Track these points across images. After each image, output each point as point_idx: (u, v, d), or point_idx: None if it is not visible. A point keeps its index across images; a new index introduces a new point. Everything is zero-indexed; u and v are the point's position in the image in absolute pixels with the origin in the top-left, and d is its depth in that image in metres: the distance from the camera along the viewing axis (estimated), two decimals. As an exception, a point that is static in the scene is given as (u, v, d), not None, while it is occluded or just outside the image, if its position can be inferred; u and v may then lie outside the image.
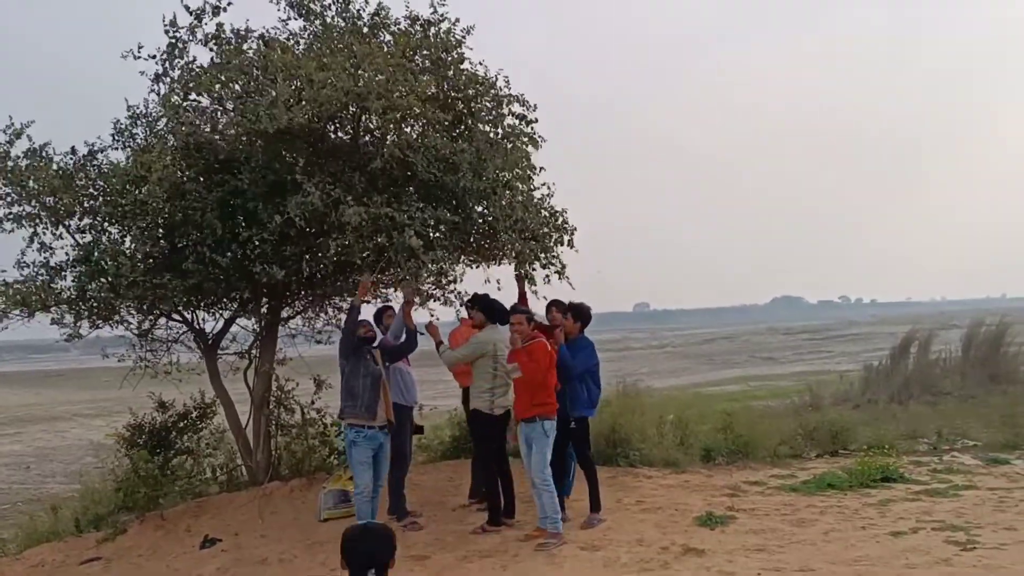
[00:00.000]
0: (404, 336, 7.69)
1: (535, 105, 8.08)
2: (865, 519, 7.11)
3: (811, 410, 15.33)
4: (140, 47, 7.87)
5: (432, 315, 8.66)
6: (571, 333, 7.39)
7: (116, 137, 8.53)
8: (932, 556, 5.94)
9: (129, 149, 8.49)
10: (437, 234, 7.76)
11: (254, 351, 9.22)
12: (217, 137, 7.73)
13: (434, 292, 9.00)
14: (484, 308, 7.41)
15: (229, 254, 7.57)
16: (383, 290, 9.55)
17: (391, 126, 7.57)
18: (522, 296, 8.20)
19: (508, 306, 7.53)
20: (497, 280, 8.59)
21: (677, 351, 54.97)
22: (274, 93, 7.03)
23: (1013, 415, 12.40)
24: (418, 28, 7.85)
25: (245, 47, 7.96)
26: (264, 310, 9.06)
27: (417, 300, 7.96)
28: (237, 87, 7.58)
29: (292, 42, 8.04)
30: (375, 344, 7.46)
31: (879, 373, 18.80)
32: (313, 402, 9.18)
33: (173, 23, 7.91)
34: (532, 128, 8.11)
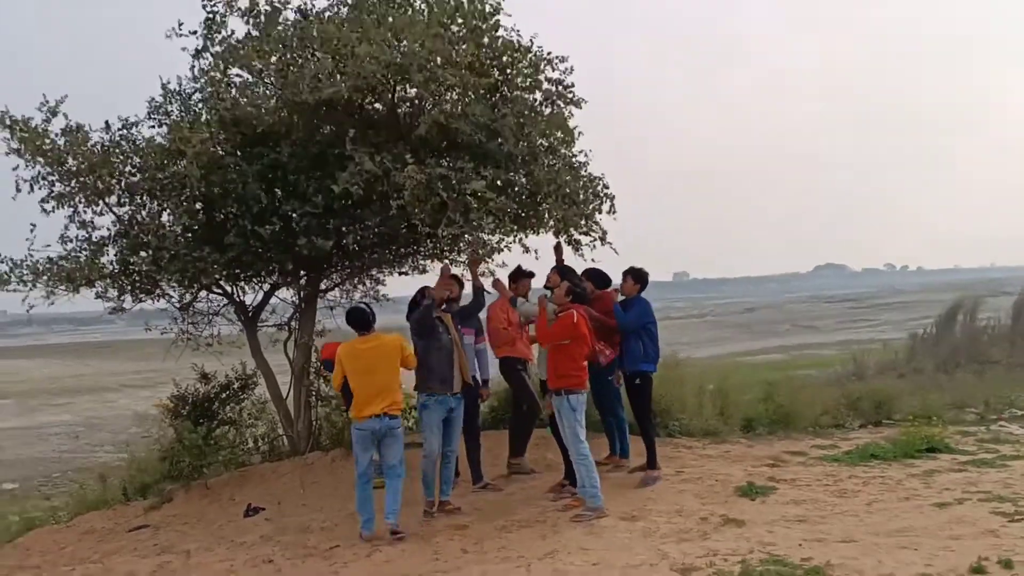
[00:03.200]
0: (473, 296, 7.79)
1: (572, 67, 7.97)
2: (909, 490, 6.99)
3: (855, 379, 15.14)
4: (180, 24, 7.88)
5: (493, 274, 8.74)
6: (629, 294, 7.74)
7: (151, 115, 8.57)
8: (978, 527, 5.83)
9: (165, 126, 8.55)
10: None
11: (293, 323, 9.31)
12: (255, 111, 7.73)
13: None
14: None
15: (269, 227, 7.58)
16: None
17: (429, 96, 7.50)
18: (559, 264, 8.16)
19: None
20: (535, 250, 8.58)
21: (718, 320, 54.60)
22: (314, 67, 7.02)
23: (1064, 384, 12.15)
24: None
25: (281, 19, 7.93)
26: (303, 282, 9.11)
27: (481, 254, 8.00)
28: (274, 59, 7.56)
29: (328, 13, 7.99)
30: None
31: (925, 341, 18.50)
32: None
33: None
34: (571, 91, 7.98)
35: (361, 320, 6.82)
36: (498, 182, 7.33)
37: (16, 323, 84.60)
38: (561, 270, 7.77)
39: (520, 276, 8.32)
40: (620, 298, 7.82)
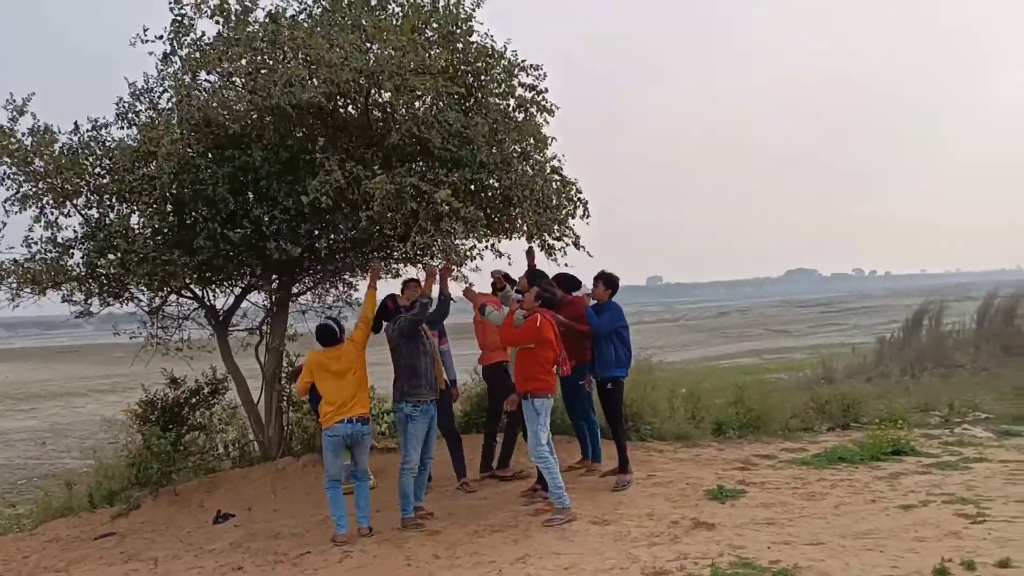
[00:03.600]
0: (437, 303, 7.67)
1: (545, 73, 7.99)
2: (875, 492, 7.11)
3: (824, 383, 15.34)
4: (146, 29, 7.79)
5: (468, 281, 8.68)
6: (600, 298, 7.71)
7: (120, 116, 8.49)
8: (941, 529, 5.93)
9: (134, 127, 8.47)
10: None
11: (265, 327, 9.25)
12: (226, 113, 7.68)
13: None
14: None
15: (240, 230, 7.53)
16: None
17: (402, 101, 7.50)
18: (531, 269, 8.18)
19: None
20: (508, 255, 8.60)
21: (691, 324, 54.98)
22: (285, 70, 6.98)
23: (1025, 387, 12.38)
24: (427, 0, 7.74)
25: (251, 19, 7.87)
26: (275, 286, 9.05)
27: (455, 261, 7.99)
28: (244, 62, 7.51)
29: (301, 16, 7.95)
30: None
31: (892, 346, 18.79)
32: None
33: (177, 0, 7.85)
34: (544, 97, 8.02)
35: (329, 336, 7.02)
36: (471, 187, 7.35)
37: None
38: (533, 275, 7.79)
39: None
40: (592, 302, 7.81)
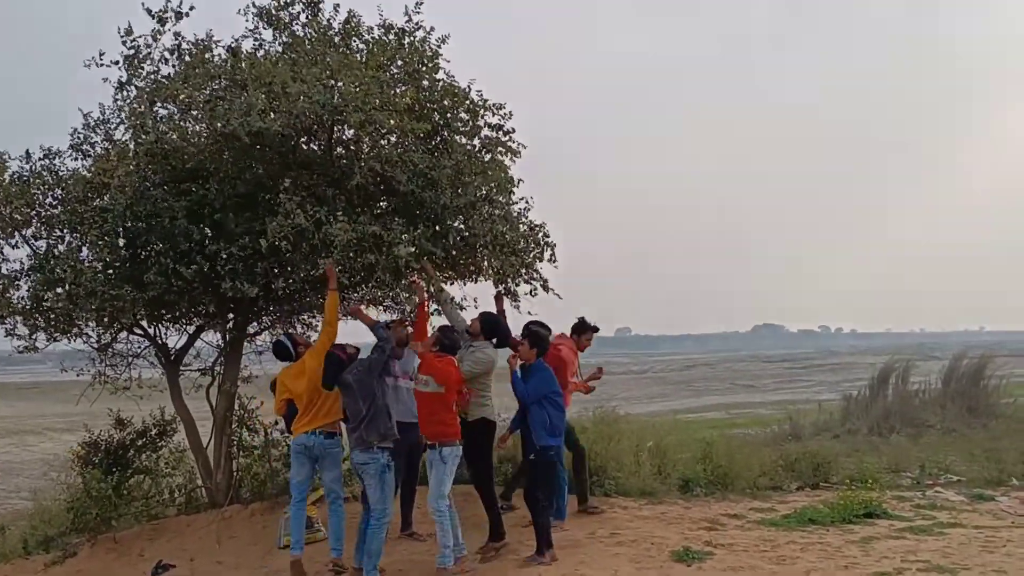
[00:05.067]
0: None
1: (510, 112, 7.83)
2: (848, 557, 6.80)
3: (791, 440, 15.12)
4: (102, 54, 7.55)
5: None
6: (527, 360, 6.95)
7: (74, 148, 8.21)
8: (918, 599, 5.68)
9: (89, 158, 8.19)
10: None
11: (218, 367, 8.86)
12: (184, 144, 7.43)
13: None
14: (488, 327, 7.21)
15: (194, 266, 7.22)
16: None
17: (366, 139, 7.31)
18: (501, 316, 7.91)
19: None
20: (474, 299, 8.36)
21: (658, 377, 54.83)
22: (244, 100, 6.76)
23: (996, 449, 12.22)
24: (392, 37, 7.59)
25: (208, 56, 7.68)
26: (230, 325, 8.71)
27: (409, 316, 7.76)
28: (204, 93, 7.27)
29: (262, 52, 7.76)
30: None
31: (858, 403, 18.63)
32: (277, 422, 8.75)
33: (129, 32, 7.63)
34: (510, 138, 7.85)
35: (283, 353, 6.97)
36: (435, 229, 7.13)
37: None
38: (484, 320, 7.32)
39: (584, 329, 8.17)
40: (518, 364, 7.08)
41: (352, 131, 7.31)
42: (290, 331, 8.20)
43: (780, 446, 13.29)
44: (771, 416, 23.26)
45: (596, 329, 8.32)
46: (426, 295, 7.48)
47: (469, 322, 7.36)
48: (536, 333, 7.14)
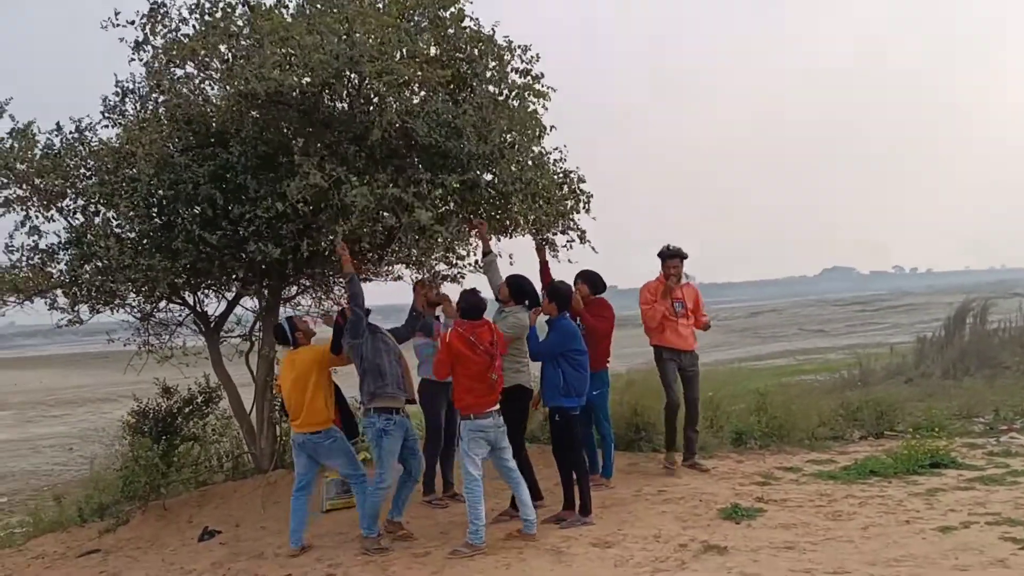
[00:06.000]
0: (408, 317, 7.22)
1: (538, 55, 7.46)
2: (910, 512, 6.40)
3: (860, 386, 14.56)
4: (117, 13, 7.38)
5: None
6: (548, 314, 6.72)
7: (106, 114, 8.13)
8: (986, 556, 5.28)
9: (120, 127, 8.10)
10: (446, 207, 7.30)
11: (256, 334, 8.81)
12: (205, 106, 7.26)
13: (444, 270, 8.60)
14: (517, 290, 6.87)
15: (219, 232, 7.11)
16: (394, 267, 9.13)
17: (390, 92, 7.02)
18: (544, 266, 7.63)
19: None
20: (510, 255, 8.11)
21: (722, 325, 53.82)
22: (261, 56, 6.55)
23: (1078, 390, 11.53)
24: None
25: (231, 13, 7.46)
26: (264, 291, 8.61)
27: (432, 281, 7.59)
28: (223, 49, 7.08)
29: (280, 6, 7.51)
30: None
31: (933, 345, 17.89)
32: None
33: None
34: (540, 82, 7.47)
35: (280, 337, 6.87)
36: (461, 185, 6.83)
37: (21, 334, 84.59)
38: (512, 283, 6.96)
39: (664, 257, 7.93)
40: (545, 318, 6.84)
41: (375, 84, 7.04)
42: (294, 315, 7.92)
43: (845, 393, 12.79)
44: (840, 361, 22.59)
45: (676, 254, 7.90)
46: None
47: (498, 288, 7.04)
48: (556, 287, 6.89)
